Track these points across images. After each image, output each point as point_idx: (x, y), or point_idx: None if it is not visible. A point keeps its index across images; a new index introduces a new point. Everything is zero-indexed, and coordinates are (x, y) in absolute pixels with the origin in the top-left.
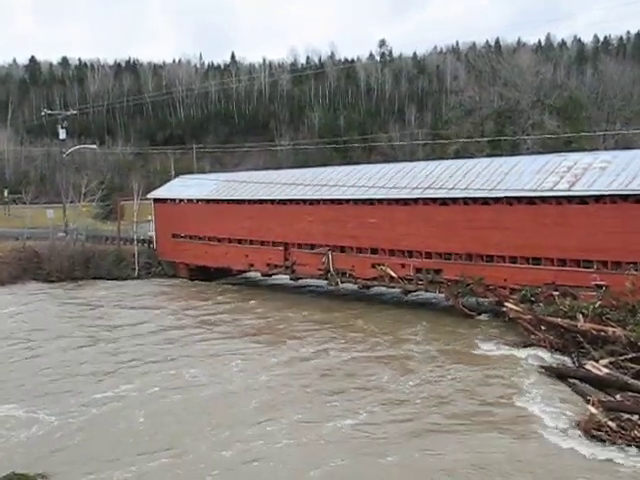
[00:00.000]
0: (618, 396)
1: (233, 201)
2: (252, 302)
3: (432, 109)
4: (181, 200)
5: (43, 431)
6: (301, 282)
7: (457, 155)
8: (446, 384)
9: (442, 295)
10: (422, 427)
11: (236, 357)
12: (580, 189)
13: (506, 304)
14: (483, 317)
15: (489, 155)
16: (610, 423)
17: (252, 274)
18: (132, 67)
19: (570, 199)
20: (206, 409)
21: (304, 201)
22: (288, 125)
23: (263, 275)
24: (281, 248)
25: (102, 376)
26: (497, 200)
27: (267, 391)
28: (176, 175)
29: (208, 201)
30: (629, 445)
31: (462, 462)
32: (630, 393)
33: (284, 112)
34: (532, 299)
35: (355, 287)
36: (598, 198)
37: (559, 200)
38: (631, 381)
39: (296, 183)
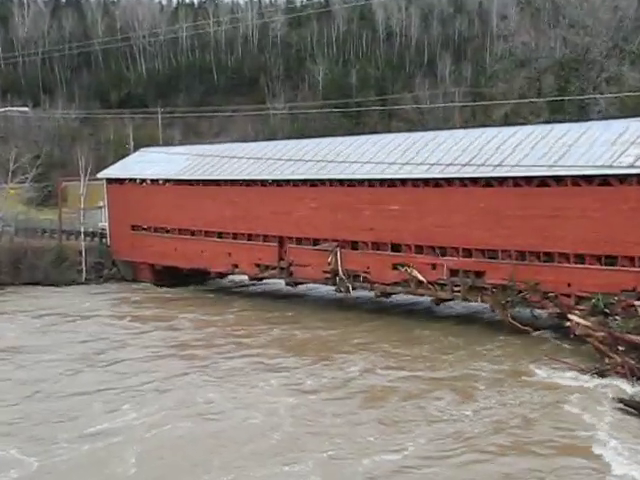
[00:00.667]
0: None
1: (211, 182)
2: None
3: (473, 60)
4: (143, 181)
5: (19, 475)
6: (292, 289)
7: (506, 121)
8: (500, 421)
9: (486, 305)
10: (477, 469)
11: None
12: None
13: (571, 317)
14: (541, 334)
15: (548, 121)
16: None
17: (235, 277)
18: (75, 3)
19: None
20: (216, 444)
21: (304, 182)
22: (283, 82)
23: (251, 279)
24: (274, 244)
25: (97, 405)
26: (559, 180)
27: (294, 420)
28: (136, 148)
29: (178, 182)
30: None
31: None
32: None
33: (278, 65)
34: (606, 311)
35: (371, 294)
36: None
37: None
38: None
39: (294, 159)
